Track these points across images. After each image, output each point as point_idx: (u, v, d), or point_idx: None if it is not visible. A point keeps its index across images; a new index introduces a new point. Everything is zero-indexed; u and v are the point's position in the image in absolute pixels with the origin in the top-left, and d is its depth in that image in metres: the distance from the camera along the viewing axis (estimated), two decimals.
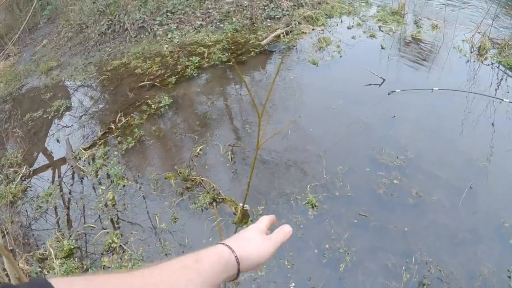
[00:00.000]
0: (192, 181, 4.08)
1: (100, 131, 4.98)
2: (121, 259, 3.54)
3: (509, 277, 3.20)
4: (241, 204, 3.68)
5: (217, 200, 3.87)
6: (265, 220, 0.95)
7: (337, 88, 5.28)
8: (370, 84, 5.27)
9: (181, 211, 3.82)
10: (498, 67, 5.70)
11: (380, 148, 4.17)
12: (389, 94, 4.97)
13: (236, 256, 0.78)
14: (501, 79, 5.49)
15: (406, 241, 3.44)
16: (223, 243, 0.81)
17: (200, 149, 4.43)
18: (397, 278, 3.19)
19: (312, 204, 3.67)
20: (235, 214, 3.70)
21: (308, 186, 3.85)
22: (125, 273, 0.66)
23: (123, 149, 4.61)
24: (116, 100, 5.63)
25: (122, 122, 5.00)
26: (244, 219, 3.68)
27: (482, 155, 4.13)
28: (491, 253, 3.37)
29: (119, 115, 5.12)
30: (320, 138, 4.45)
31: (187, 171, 4.16)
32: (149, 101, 5.31)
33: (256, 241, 0.85)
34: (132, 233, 3.73)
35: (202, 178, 4.06)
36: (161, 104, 5.15)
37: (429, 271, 3.24)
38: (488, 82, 5.37)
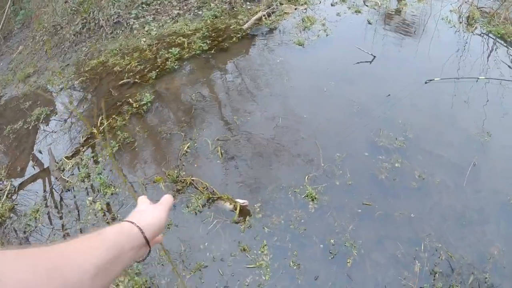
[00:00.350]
0: (182, 182, 3.77)
1: (82, 137, 4.62)
2: None
3: None
4: (238, 200, 3.38)
5: (213, 199, 3.58)
6: (144, 198, 1.03)
7: (326, 69, 4.95)
8: (360, 62, 4.94)
9: (174, 216, 3.52)
10: (488, 37, 5.39)
11: (377, 130, 3.89)
12: (426, 82, 4.46)
13: (138, 226, 0.82)
14: (492, 49, 5.19)
15: (413, 227, 3.21)
16: (124, 220, 0.85)
17: (188, 147, 4.11)
18: (408, 269, 2.96)
19: (312, 197, 3.39)
20: (233, 211, 3.41)
21: (306, 177, 3.57)
22: (41, 246, 0.64)
23: (107, 154, 4.27)
24: (96, 101, 5.26)
25: (104, 125, 4.65)
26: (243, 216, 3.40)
27: (482, 130, 3.87)
28: (499, 232, 3.18)
29: (100, 118, 4.76)
30: (313, 124, 4.14)
31: (176, 172, 3.85)
32: (130, 100, 4.93)
33: (149, 210, 0.92)
34: None
35: (192, 178, 3.76)
36: (143, 102, 4.79)
37: (439, 257, 3.03)
38: (480, 52, 5.07)
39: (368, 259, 3.03)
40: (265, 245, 3.14)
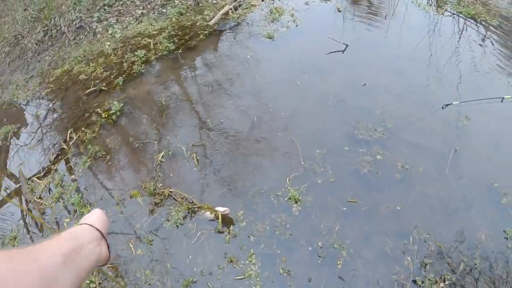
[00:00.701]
0: (160, 194, 3.54)
1: (52, 155, 4.30)
2: None
3: (506, 238, 2.92)
4: (219, 209, 3.17)
5: (193, 209, 3.36)
6: None
7: (299, 61, 4.73)
8: (332, 52, 4.73)
9: (155, 231, 3.29)
10: (458, 18, 5.24)
11: (356, 122, 3.72)
12: (443, 108, 3.85)
13: (86, 224, 0.92)
14: (463, 29, 5.05)
15: (400, 220, 3.08)
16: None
17: (162, 156, 3.85)
18: (399, 263, 2.85)
19: (295, 199, 3.22)
20: (214, 220, 3.20)
21: (287, 179, 3.38)
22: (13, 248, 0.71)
23: (79, 171, 3.98)
24: (64, 114, 4.91)
25: (74, 139, 4.33)
26: (226, 225, 3.20)
27: (461, 114, 3.75)
28: (485, 217, 3.08)
29: (69, 132, 4.43)
30: (289, 121, 3.94)
31: (152, 184, 3.60)
32: (99, 110, 4.61)
33: (89, 215, 0.98)
34: (108, 267, 3.20)
35: (170, 190, 3.53)
36: (112, 111, 4.46)
37: (428, 248, 2.91)
38: (450, 34, 4.93)
39: (358, 258, 2.89)
40: (252, 254, 2.96)
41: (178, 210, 3.35)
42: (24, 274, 0.63)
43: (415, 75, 4.29)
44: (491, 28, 4.95)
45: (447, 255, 2.87)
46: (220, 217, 3.13)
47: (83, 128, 4.44)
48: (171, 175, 3.69)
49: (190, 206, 3.37)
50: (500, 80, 4.16)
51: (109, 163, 4.00)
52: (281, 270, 2.85)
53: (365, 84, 4.04)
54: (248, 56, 4.98)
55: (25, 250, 0.69)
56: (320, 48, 4.81)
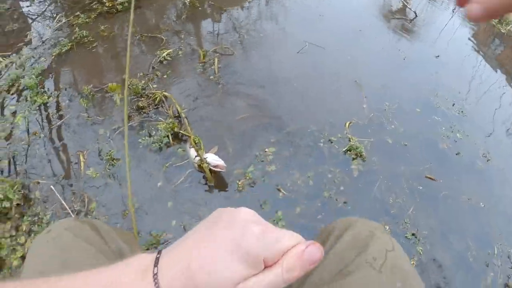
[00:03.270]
0: (149, 97, 1.97)
1: (28, 34, 2.46)
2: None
3: None
4: (208, 158, 1.56)
5: (178, 135, 1.83)
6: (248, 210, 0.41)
7: (364, 12, 3.20)
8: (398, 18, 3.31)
9: (124, 146, 1.69)
10: None
11: (431, 89, 2.41)
12: None
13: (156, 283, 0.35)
14: None
15: (483, 222, 1.85)
16: (156, 264, 0.37)
17: (169, 54, 2.27)
18: (480, 277, 1.64)
19: (356, 153, 1.84)
20: (200, 171, 1.67)
21: (347, 124, 1.99)
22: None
23: (54, 53, 2.26)
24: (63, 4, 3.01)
25: (62, 22, 2.54)
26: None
27: None
28: None
29: (59, 15, 2.62)
30: (352, 61, 2.50)
31: (143, 82, 2.03)
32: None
33: (221, 269, 0.35)
34: (39, 182, 1.60)
35: (165, 94, 1.96)
36: (119, 1, 2.72)
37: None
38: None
39: (433, 260, 1.61)
40: (280, 218, 1.53)
41: (167, 127, 1.81)
42: None
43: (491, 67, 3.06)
44: None
45: None
46: (208, 172, 1.57)
47: (77, 13, 2.65)
48: (175, 78, 2.12)
49: (176, 128, 1.81)
50: None
51: (94, 50, 2.30)
52: None
53: (438, 56, 2.75)
54: None
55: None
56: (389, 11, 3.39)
